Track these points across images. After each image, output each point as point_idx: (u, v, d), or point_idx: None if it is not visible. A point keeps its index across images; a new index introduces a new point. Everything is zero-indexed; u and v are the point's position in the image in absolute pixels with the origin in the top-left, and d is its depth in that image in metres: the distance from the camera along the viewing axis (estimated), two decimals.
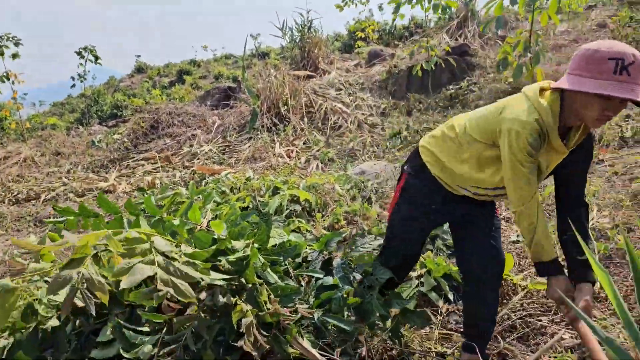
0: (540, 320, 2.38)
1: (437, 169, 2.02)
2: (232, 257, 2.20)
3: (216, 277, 2.02)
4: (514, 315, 2.42)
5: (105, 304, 1.96)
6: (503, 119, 1.76)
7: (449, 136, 1.98)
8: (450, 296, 2.63)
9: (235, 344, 1.92)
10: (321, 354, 2.13)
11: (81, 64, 12.41)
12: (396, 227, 2.19)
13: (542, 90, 1.77)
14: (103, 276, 1.79)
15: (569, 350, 2.18)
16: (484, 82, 7.60)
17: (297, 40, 10.83)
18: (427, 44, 7.15)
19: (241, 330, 1.93)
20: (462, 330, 2.19)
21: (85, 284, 1.62)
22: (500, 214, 3.59)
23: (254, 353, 1.95)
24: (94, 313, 1.62)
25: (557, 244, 2.17)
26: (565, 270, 1.89)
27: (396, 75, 8.82)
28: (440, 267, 2.66)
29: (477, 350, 2.08)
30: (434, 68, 6.41)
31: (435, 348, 2.28)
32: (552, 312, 2.43)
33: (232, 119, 8.69)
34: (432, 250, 3.00)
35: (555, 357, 2.14)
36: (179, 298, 1.76)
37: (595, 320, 2.30)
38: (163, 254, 1.84)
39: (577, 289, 1.81)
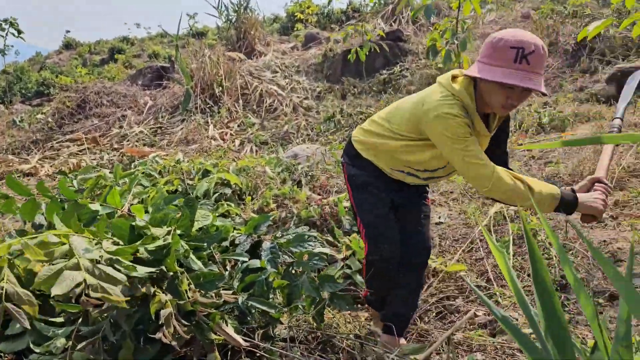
0: (455, 301, 2.50)
1: (372, 155, 2.05)
2: (151, 246, 2.15)
3: (141, 273, 1.97)
4: (432, 299, 2.53)
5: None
6: (427, 110, 1.76)
7: (377, 130, 2.02)
8: None
9: (154, 336, 1.89)
10: (245, 339, 2.14)
11: (1, 36, 11.62)
12: (366, 214, 2.12)
13: (454, 78, 1.82)
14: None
15: (481, 326, 2.31)
16: (415, 67, 7.78)
17: (232, 21, 10.61)
18: (361, 28, 7.21)
19: (160, 321, 1.91)
20: (384, 312, 2.26)
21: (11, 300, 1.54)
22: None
23: (173, 343, 1.94)
24: (28, 327, 1.54)
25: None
26: None
27: (331, 59, 8.86)
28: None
29: (397, 332, 2.16)
30: (367, 53, 6.49)
31: (359, 331, 2.35)
32: (466, 294, 2.55)
33: (165, 99, 8.44)
34: (357, 232, 3.07)
35: (468, 333, 2.26)
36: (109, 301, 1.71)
37: (496, 302, 2.44)
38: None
39: None
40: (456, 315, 2.43)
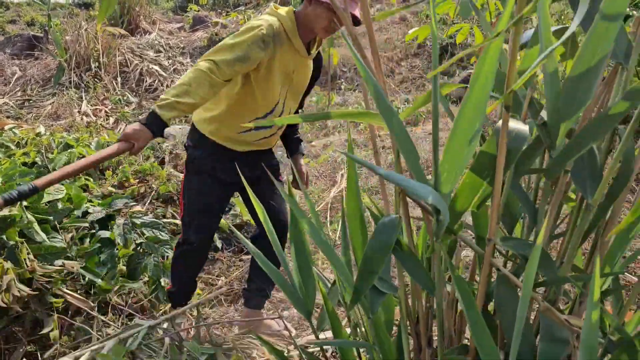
0: None
1: (215, 129, 2.11)
2: None
3: None
4: None
5: None
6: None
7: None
8: (219, 245, 2.93)
9: None
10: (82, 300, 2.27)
11: None
12: (192, 201, 2.19)
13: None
14: None
15: None
16: None
17: None
18: (244, 15, 7.35)
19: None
20: (245, 287, 2.42)
21: None
22: None
23: (12, 306, 2.04)
24: None
25: None
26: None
27: (217, 42, 8.88)
28: None
29: (258, 305, 2.34)
30: None
31: (199, 295, 2.55)
32: None
33: (36, 71, 7.97)
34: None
35: None
36: None
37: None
38: None
39: (293, 160, 2.35)
40: None
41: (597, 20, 0.78)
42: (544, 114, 0.92)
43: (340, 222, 3.09)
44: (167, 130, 5.18)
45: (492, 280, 1.06)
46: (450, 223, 0.90)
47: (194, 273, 2.29)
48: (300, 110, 2.35)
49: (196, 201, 2.18)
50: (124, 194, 3.45)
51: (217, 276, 2.74)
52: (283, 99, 2.09)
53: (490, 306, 1.11)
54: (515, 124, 0.86)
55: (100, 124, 6.20)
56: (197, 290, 2.55)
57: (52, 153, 3.90)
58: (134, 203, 3.53)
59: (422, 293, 1.07)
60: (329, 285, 1.35)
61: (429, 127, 5.27)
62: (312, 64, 2.18)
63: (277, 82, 2.01)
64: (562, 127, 0.87)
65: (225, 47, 1.86)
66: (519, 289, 0.97)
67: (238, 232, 1.26)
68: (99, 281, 2.26)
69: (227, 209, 3.23)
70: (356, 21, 1.92)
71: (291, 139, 2.39)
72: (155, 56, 8.59)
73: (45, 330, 2.13)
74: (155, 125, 1.74)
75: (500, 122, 0.83)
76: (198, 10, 11.73)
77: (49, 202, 2.72)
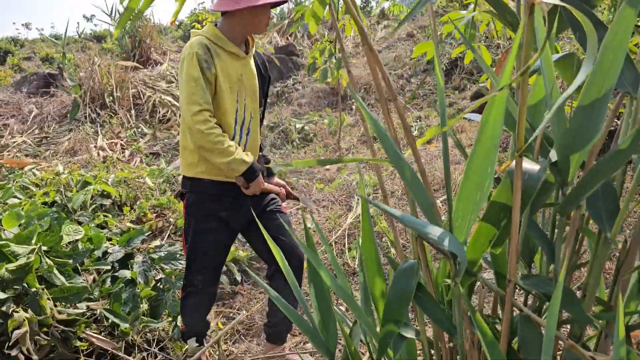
0: None
1: (203, 166, 2.06)
2: (11, 266, 2.23)
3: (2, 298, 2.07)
4: None
5: None
6: (181, 58, 2.01)
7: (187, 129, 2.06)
8: (238, 278, 2.94)
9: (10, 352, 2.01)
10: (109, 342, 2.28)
11: None
12: (194, 244, 2.14)
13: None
14: None
15: None
16: (307, 81, 8.14)
17: (126, 28, 10.41)
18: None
19: (12, 340, 2.02)
20: (265, 322, 2.35)
21: None
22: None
23: (34, 358, 2.07)
24: None
25: None
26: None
27: None
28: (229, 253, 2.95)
29: (280, 340, 2.30)
30: None
31: (217, 329, 2.55)
32: None
33: (52, 108, 8.14)
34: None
35: None
36: None
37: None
38: None
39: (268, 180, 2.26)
40: None
41: (601, 53, 0.77)
42: (553, 152, 0.91)
43: (358, 249, 3.08)
44: (178, 161, 5.25)
45: (515, 313, 1.05)
46: (469, 265, 0.90)
47: (203, 313, 2.24)
48: (260, 110, 2.31)
49: (197, 244, 2.14)
50: (142, 229, 3.49)
51: (237, 310, 2.74)
52: (242, 105, 2.08)
53: (515, 340, 1.10)
54: (528, 164, 0.86)
55: (117, 158, 6.30)
56: (219, 324, 2.55)
57: (71, 191, 3.97)
58: (149, 237, 3.56)
59: (444, 334, 1.06)
60: (350, 324, 1.34)
61: (441, 143, 5.26)
62: (257, 63, 2.20)
63: (226, 92, 2.01)
64: (573, 164, 0.86)
65: (192, 87, 1.92)
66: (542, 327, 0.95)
67: (252, 273, 1.26)
68: (123, 325, 2.27)
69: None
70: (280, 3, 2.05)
71: (259, 159, 2.30)
72: (167, 87, 8.73)
73: None
74: (249, 174, 2.02)
75: (513, 164, 0.83)
76: None
77: (69, 243, 2.77)
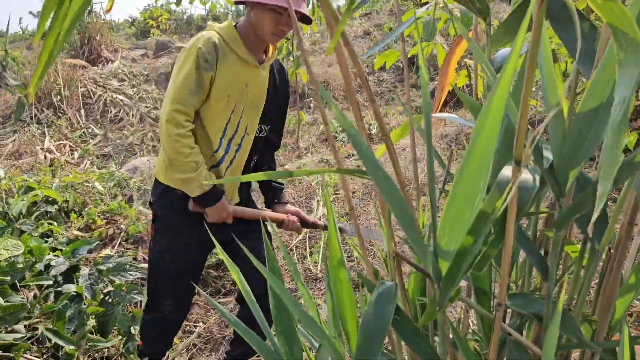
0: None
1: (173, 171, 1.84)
2: None
3: None
4: None
5: None
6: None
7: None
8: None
9: None
10: None
11: None
12: (159, 265, 1.92)
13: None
14: None
15: None
16: None
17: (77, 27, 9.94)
18: None
19: None
20: (228, 350, 2.18)
21: None
22: None
23: None
24: None
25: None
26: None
27: None
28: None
29: None
30: None
31: (176, 345, 2.38)
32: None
33: None
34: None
35: None
36: None
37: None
38: None
39: (275, 210, 2.05)
40: None
41: (606, 54, 0.68)
42: (547, 154, 0.82)
43: (320, 253, 2.97)
44: (133, 162, 5.02)
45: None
46: (451, 286, 0.79)
47: (167, 339, 2.03)
48: (272, 136, 2.08)
49: (163, 265, 1.90)
50: (91, 237, 3.27)
51: (194, 322, 2.58)
52: (238, 117, 1.85)
53: None
54: (523, 174, 0.76)
55: (66, 160, 5.97)
56: (175, 340, 2.38)
57: (13, 197, 3.69)
58: (99, 246, 3.34)
59: None
60: (316, 345, 1.22)
61: (403, 141, 5.21)
62: (274, 77, 1.98)
63: (222, 99, 1.79)
64: (571, 173, 0.76)
65: (179, 84, 1.72)
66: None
67: (203, 292, 1.12)
68: (67, 347, 2.07)
69: None
70: (305, 19, 1.80)
71: (267, 185, 2.12)
72: (119, 85, 8.39)
73: None
74: (205, 200, 1.79)
75: (506, 174, 0.72)
76: (160, 35, 11.57)
77: (6, 259, 2.53)
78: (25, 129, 6.99)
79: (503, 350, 0.90)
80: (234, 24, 1.86)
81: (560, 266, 1.07)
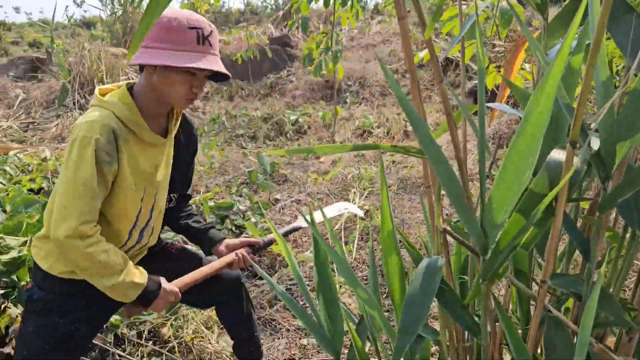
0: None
1: (63, 264, 1.48)
2: (4, 258, 2.13)
3: None
4: (283, 285, 2.72)
5: None
6: (71, 136, 1.39)
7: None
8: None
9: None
10: None
11: None
12: (32, 350, 1.48)
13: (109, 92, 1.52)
14: None
15: None
16: (301, 73, 8.05)
17: (118, 14, 10.22)
18: (246, 31, 7.35)
19: (9, 337, 1.93)
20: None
21: None
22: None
23: None
24: None
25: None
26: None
27: (222, 60, 8.88)
28: None
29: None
30: (252, 57, 6.64)
31: None
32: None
33: (39, 93, 7.97)
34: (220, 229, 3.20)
35: None
36: None
37: None
38: None
39: (217, 253, 1.77)
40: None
41: None
42: (594, 139, 0.85)
43: (355, 243, 3.02)
44: None
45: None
46: (497, 263, 0.83)
47: None
48: (172, 197, 1.74)
49: (37, 350, 1.48)
50: None
51: None
52: (149, 204, 1.56)
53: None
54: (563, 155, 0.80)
55: None
56: None
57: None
58: None
59: (461, 334, 1.00)
60: (356, 320, 1.27)
61: (438, 140, 5.21)
62: (179, 137, 1.68)
63: (129, 191, 1.47)
64: (619, 154, 0.80)
65: (80, 192, 1.33)
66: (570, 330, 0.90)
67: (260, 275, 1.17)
68: None
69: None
70: (223, 76, 1.54)
71: (195, 229, 1.81)
72: None
73: None
74: (146, 296, 1.47)
75: (555, 156, 0.76)
76: None
77: None
78: (68, 113, 7.24)
79: (541, 327, 0.93)
80: (128, 88, 1.51)
81: (604, 251, 1.10)
